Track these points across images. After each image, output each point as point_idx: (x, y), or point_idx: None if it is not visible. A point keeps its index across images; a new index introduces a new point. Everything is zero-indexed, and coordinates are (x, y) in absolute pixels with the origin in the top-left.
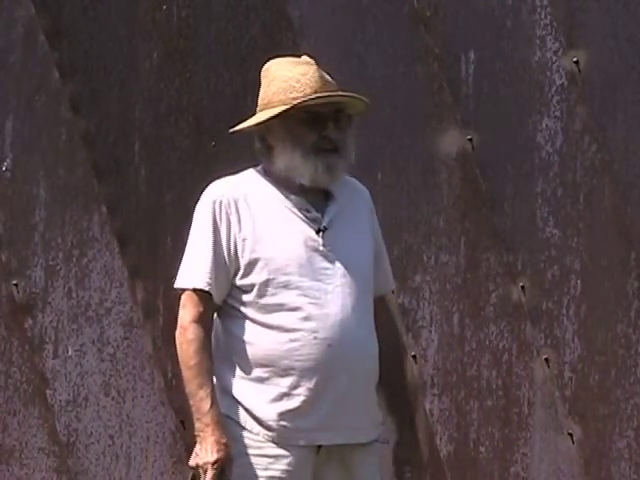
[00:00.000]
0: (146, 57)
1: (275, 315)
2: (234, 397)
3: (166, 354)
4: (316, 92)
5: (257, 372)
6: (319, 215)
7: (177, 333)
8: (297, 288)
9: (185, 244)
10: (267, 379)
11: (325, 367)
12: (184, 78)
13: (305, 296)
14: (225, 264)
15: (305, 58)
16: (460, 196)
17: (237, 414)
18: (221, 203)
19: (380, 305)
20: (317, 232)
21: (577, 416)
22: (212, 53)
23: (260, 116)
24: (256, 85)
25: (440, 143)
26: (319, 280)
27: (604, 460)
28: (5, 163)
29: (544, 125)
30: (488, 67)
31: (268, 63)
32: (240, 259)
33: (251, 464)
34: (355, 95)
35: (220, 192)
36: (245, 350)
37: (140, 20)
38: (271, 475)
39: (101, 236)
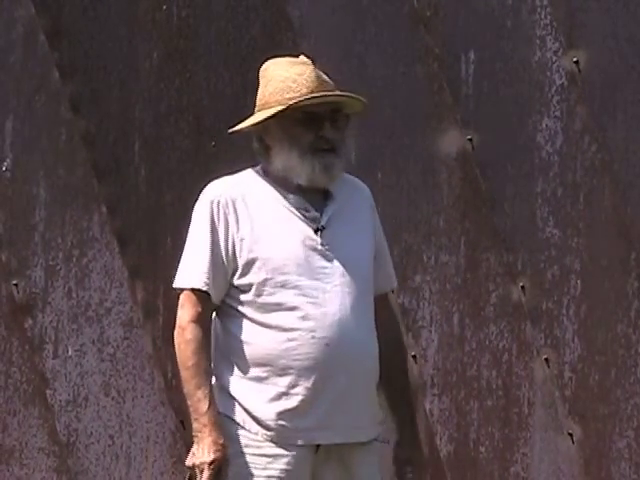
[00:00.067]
0: (146, 57)
1: (273, 314)
2: (233, 396)
3: (166, 354)
4: (312, 92)
5: (255, 371)
6: (318, 214)
7: (175, 333)
8: (295, 287)
9: (184, 244)
10: (265, 378)
11: (323, 366)
12: (184, 78)
13: (303, 295)
14: (223, 264)
15: (302, 58)
16: (460, 196)
17: (235, 413)
18: (219, 203)
19: (381, 303)
20: (315, 231)
21: (577, 416)
22: (212, 53)
23: (257, 116)
24: (256, 85)
25: (440, 143)
26: (317, 279)
27: (604, 460)
28: (5, 163)
29: (544, 125)
30: (488, 67)
31: (266, 63)
32: (238, 259)
33: (250, 463)
34: (352, 95)
35: (218, 192)
36: (243, 349)
37: (140, 20)
38: (270, 474)
39: (101, 236)
